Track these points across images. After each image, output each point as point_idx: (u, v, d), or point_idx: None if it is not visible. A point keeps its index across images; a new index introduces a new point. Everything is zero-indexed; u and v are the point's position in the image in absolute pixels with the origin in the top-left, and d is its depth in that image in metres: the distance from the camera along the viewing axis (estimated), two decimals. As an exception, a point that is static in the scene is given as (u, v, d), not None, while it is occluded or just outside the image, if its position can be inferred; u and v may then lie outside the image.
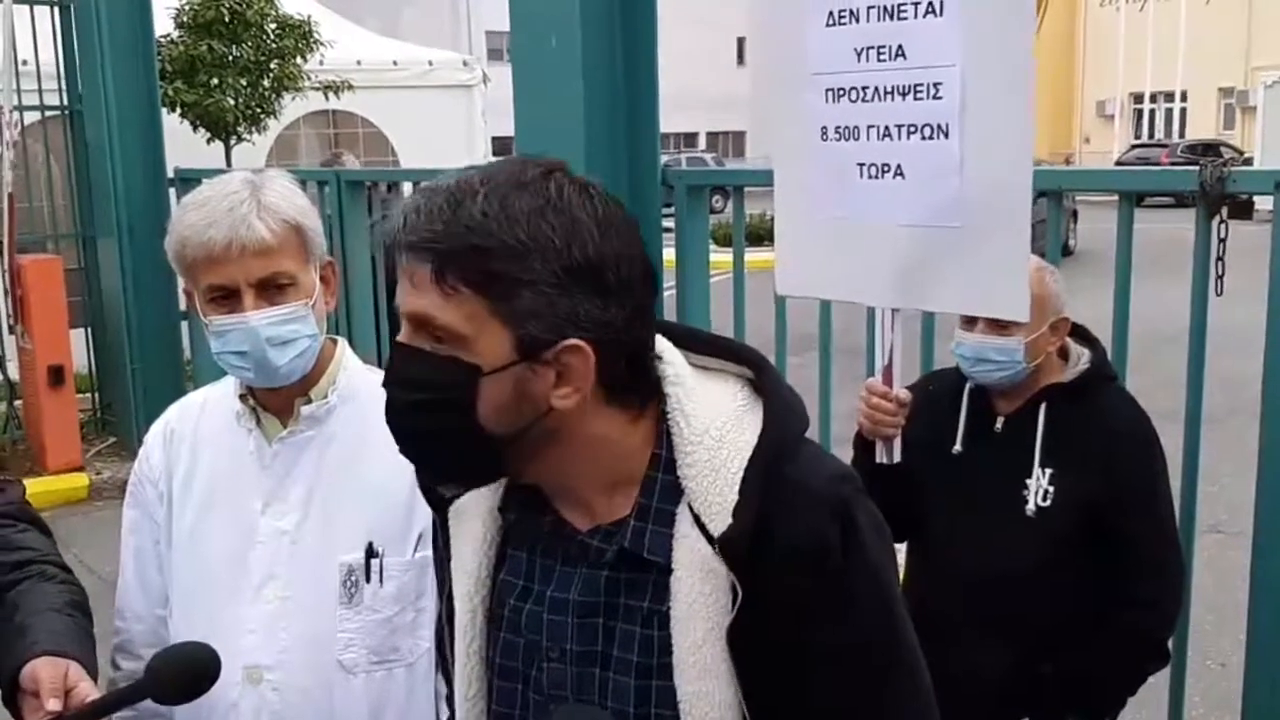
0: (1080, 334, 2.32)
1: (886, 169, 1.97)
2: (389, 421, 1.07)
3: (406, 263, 1.01)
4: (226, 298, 1.55)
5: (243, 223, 1.52)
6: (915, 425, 2.15)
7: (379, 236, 1.05)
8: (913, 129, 1.92)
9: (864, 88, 1.98)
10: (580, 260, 0.99)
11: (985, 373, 2.20)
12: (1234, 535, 3.93)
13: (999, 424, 2.24)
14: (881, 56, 1.94)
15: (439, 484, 1.16)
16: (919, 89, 1.90)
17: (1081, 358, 2.26)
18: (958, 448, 2.26)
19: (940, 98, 1.88)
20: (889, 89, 1.94)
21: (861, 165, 2.00)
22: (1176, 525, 2.28)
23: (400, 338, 1.04)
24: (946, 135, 1.88)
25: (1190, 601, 2.56)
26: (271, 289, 1.56)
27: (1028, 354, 2.16)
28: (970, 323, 2.17)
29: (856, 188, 2.02)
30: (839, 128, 2.03)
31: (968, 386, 2.26)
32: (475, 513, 1.16)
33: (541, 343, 1.00)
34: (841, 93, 2.01)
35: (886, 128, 1.95)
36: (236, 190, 1.55)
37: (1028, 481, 2.16)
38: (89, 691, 1.40)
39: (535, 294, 0.98)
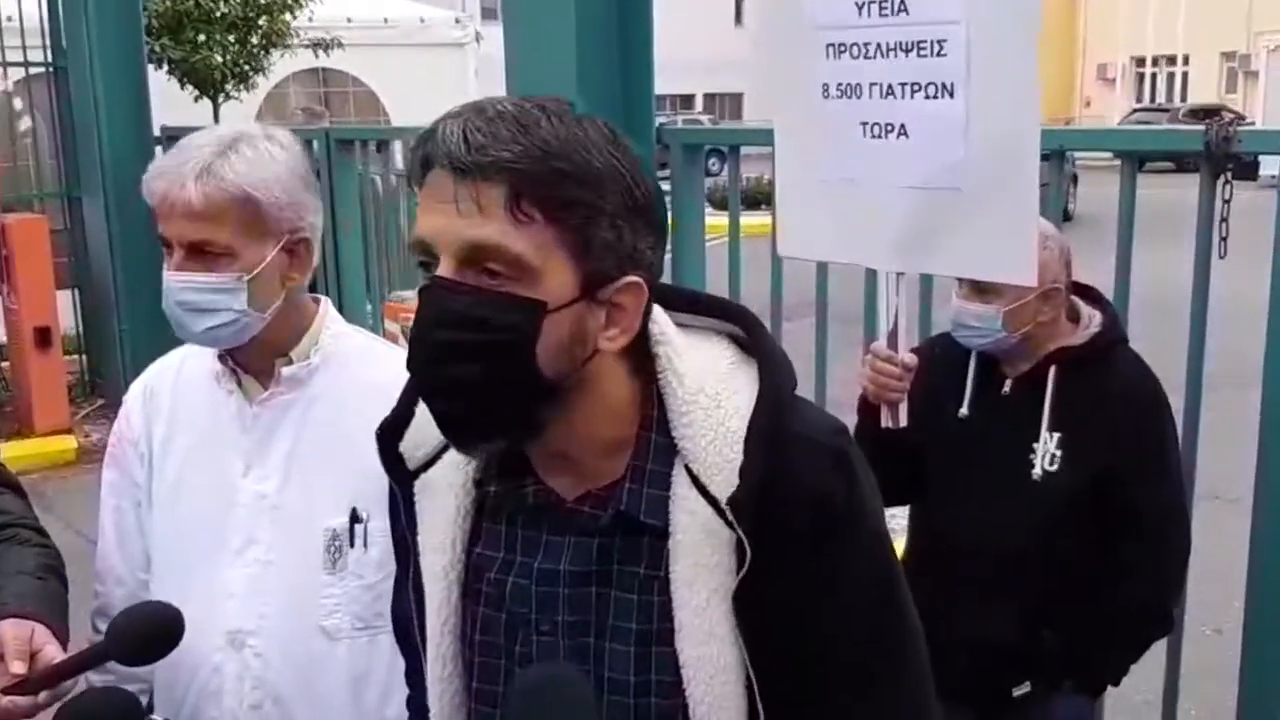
0: (1091, 296, 2.28)
1: (890, 129, 1.91)
2: (423, 373, 0.98)
3: (464, 186, 0.92)
4: (169, 249, 1.53)
5: (178, 182, 1.48)
6: (921, 388, 2.11)
7: (414, 161, 0.96)
8: (916, 88, 1.86)
9: (866, 44, 1.92)
10: (642, 195, 0.96)
11: (966, 338, 2.19)
12: (1231, 502, 3.92)
13: (1007, 387, 2.21)
14: (884, 11, 1.88)
15: (480, 442, 1.03)
16: (922, 46, 1.85)
17: (1093, 320, 2.23)
18: (964, 411, 2.22)
19: (944, 55, 1.82)
20: (891, 45, 1.88)
21: (864, 125, 1.95)
22: (1185, 492, 2.25)
23: (442, 272, 0.94)
24: (951, 95, 1.82)
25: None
26: (204, 254, 1.51)
27: (1009, 322, 2.12)
28: (960, 286, 2.15)
29: (859, 148, 1.96)
30: (840, 85, 1.97)
31: (975, 349, 2.23)
32: (447, 486, 1.10)
33: (606, 278, 0.96)
34: (843, 49, 1.95)
35: (889, 86, 1.90)
36: (201, 146, 1.51)
37: (1035, 446, 2.13)
38: (55, 655, 1.38)
39: (609, 225, 0.94)
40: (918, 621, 1.11)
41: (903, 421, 2.10)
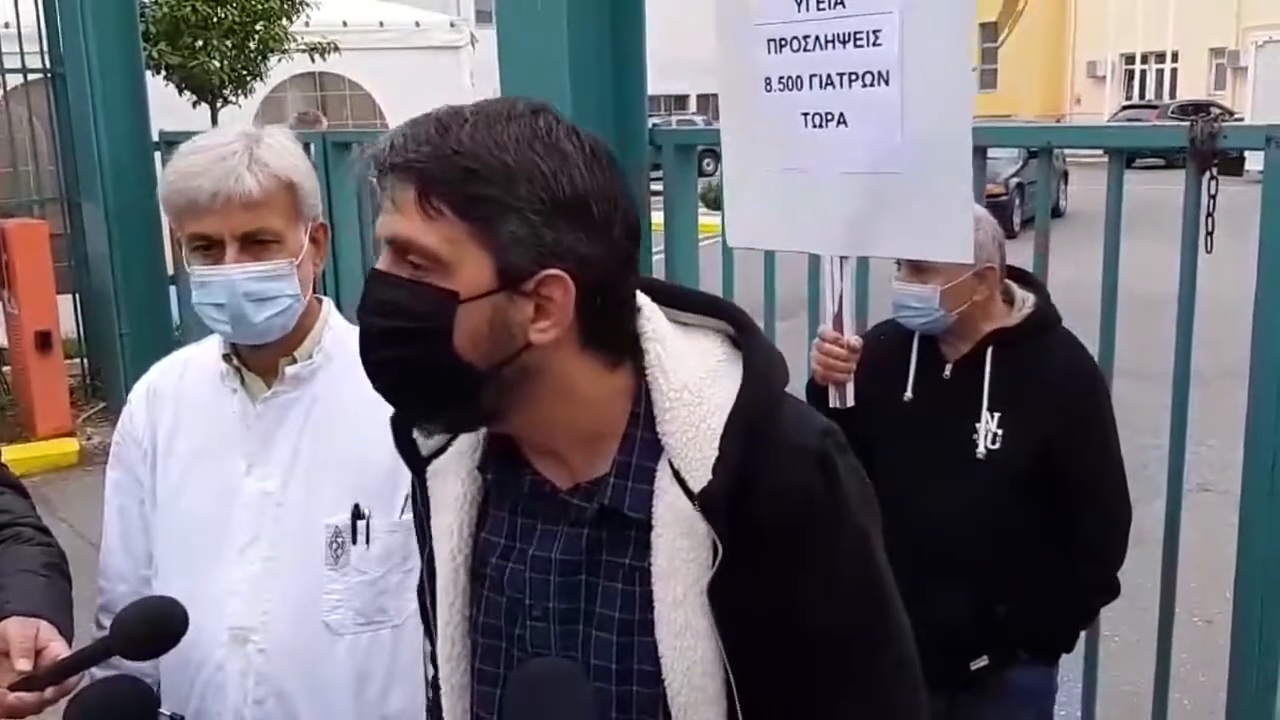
0: (1023, 278, 2.35)
1: (830, 118, 1.98)
2: (363, 354, 1.04)
3: (390, 186, 0.99)
4: (209, 248, 1.54)
5: (232, 174, 1.50)
6: (867, 373, 2.18)
7: (362, 165, 1.02)
8: (854, 77, 1.93)
9: (805, 37, 1.99)
10: (567, 191, 0.97)
11: (907, 319, 2.26)
12: (1221, 494, 3.96)
13: (948, 370, 2.28)
14: (821, 5, 1.96)
15: (417, 423, 1.13)
16: (859, 36, 1.92)
17: (1026, 302, 2.29)
18: (908, 394, 2.29)
19: (880, 44, 1.89)
20: (830, 37, 1.95)
21: (806, 115, 2.02)
22: (1123, 465, 2.28)
23: (378, 265, 1.01)
24: (887, 82, 1.89)
25: (1178, 559, 2.58)
26: (255, 244, 1.54)
27: (946, 301, 2.19)
28: (899, 269, 2.22)
29: (801, 138, 2.03)
30: (782, 78, 2.04)
31: (916, 334, 2.29)
32: (454, 473, 1.14)
33: (522, 271, 0.98)
34: (783, 43, 2.02)
35: (829, 76, 1.97)
36: (231, 142, 1.54)
37: (977, 425, 2.20)
38: (60, 651, 1.39)
39: (520, 220, 0.97)
40: (904, 620, 1.11)
41: (849, 401, 2.17)
